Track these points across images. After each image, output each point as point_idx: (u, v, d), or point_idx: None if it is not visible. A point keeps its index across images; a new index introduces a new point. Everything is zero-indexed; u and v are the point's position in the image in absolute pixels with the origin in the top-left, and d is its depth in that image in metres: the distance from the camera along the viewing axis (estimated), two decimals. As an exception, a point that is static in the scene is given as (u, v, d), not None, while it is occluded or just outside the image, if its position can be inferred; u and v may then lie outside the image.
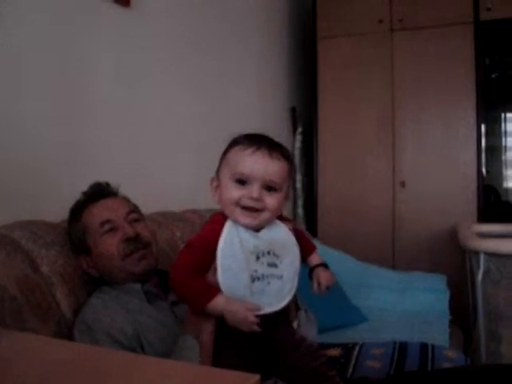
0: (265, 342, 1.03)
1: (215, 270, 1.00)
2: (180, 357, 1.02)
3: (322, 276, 1.11)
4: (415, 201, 3.08)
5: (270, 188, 1.01)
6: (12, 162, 1.39)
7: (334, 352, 1.65)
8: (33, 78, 1.50)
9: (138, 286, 1.28)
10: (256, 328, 0.95)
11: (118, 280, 1.29)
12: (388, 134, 3.13)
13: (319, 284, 1.10)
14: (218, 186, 1.06)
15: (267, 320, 1.00)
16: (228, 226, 1.02)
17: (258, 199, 1.00)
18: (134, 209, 1.39)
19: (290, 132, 3.42)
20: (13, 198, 1.38)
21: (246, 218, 1.01)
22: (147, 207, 1.55)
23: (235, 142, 1.05)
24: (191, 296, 1.01)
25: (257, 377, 0.56)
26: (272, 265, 1.02)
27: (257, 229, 1.04)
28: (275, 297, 1.01)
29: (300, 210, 3.36)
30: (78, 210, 1.33)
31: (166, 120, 2.12)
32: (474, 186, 2.96)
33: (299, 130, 3.40)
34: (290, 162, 1.06)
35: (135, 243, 1.29)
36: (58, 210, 1.40)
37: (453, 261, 2.80)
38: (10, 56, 1.42)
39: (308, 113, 3.43)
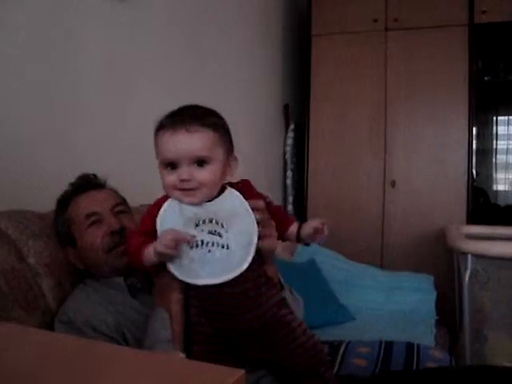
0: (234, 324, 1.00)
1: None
2: (152, 330, 1.03)
3: (309, 224, 1.08)
4: (405, 201, 3.09)
5: (200, 162, 0.99)
6: None
7: (320, 349, 1.65)
8: (21, 67, 1.48)
9: (120, 280, 1.26)
10: (165, 250, 0.94)
11: (103, 273, 1.27)
12: (380, 133, 3.14)
13: (315, 230, 1.06)
14: None
15: (230, 295, 0.98)
16: (170, 199, 1.02)
17: (189, 179, 0.98)
18: (122, 201, 1.37)
19: (282, 129, 3.41)
20: (0, 187, 1.37)
21: (187, 197, 1.00)
22: (135, 199, 1.54)
23: (159, 126, 1.06)
24: (131, 252, 1.02)
25: (241, 372, 0.55)
26: (214, 233, 0.98)
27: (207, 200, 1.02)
28: (220, 267, 0.97)
29: (290, 208, 3.36)
30: (64, 202, 1.31)
31: (156, 113, 2.10)
32: (463, 187, 2.97)
33: (291, 127, 3.40)
34: (214, 128, 1.01)
35: (119, 237, 1.26)
36: (44, 201, 1.39)
37: (440, 261, 2.82)
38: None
39: (301, 110, 3.43)
